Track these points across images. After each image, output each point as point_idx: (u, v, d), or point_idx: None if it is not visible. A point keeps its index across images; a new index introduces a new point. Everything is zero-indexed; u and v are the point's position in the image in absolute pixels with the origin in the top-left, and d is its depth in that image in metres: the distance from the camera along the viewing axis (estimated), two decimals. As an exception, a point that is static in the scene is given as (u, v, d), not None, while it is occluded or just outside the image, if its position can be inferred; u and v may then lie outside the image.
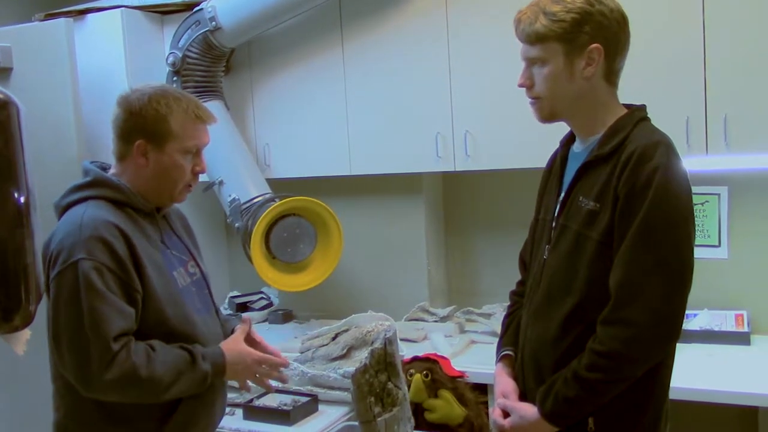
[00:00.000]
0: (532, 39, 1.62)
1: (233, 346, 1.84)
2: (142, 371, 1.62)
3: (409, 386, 2.42)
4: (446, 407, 2.44)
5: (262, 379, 1.92)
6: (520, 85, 1.68)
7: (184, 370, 1.70)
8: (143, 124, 1.75)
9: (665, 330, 1.55)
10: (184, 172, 1.80)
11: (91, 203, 1.73)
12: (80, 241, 1.63)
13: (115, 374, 1.60)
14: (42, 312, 1.68)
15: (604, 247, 1.57)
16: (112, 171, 1.82)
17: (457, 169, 2.93)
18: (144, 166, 1.77)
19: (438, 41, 2.89)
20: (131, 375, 1.62)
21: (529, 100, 1.69)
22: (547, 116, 1.68)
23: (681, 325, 1.57)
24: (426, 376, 2.45)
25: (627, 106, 1.69)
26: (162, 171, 1.78)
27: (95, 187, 1.76)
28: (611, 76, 1.64)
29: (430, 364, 2.52)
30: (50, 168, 2.78)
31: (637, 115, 1.65)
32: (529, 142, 2.69)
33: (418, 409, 2.48)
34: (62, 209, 1.76)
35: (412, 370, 2.48)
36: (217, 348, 1.81)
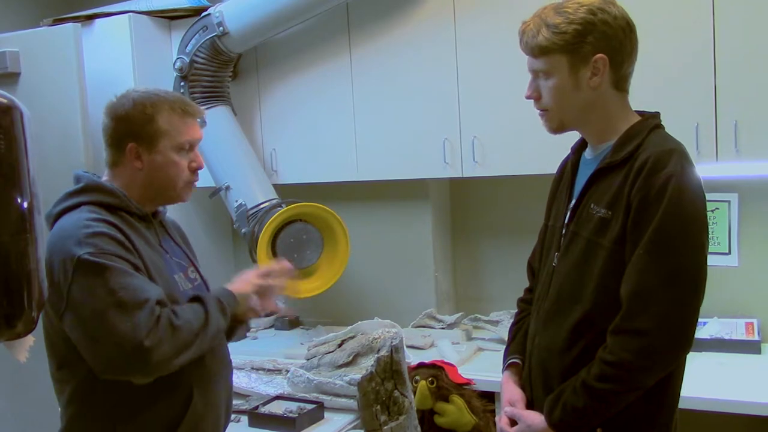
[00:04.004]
0: (536, 52, 1.61)
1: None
2: (177, 324, 1.61)
3: (414, 393, 2.40)
4: (457, 413, 2.42)
5: (268, 292, 1.90)
6: (528, 98, 1.68)
7: (201, 312, 1.69)
8: (132, 127, 1.74)
9: (677, 340, 1.52)
10: (180, 169, 1.78)
11: (85, 208, 1.69)
12: (80, 239, 1.59)
13: (159, 337, 1.56)
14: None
15: (616, 255, 1.56)
16: (104, 178, 1.80)
17: (464, 176, 2.92)
18: (140, 169, 1.75)
19: (446, 47, 2.88)
20: (172, 331, 1.59)
21: (538, 111, 1.68)
22: (557, 128, 1.68)
23: (693, 336, 1.54)
24: (431, 383, 2.44)
25: (641, 113, 1.67)
26: (158, 171, 1.76)
27: (88, 192, 1.73)
28: (620, 82, 1.62)
29: (435, 370, 2.51)
30: (57, 173, 2.77)
31: (651, 122, 1.64)
32: (536, 149, 2.68)
33: (425, 414, 2.47)
34: (55, 217, 1.72)
35: (417, 377, 2.47)
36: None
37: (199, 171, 1.85)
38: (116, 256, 1.61)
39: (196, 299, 1.73)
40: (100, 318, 1.56)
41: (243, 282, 1.86)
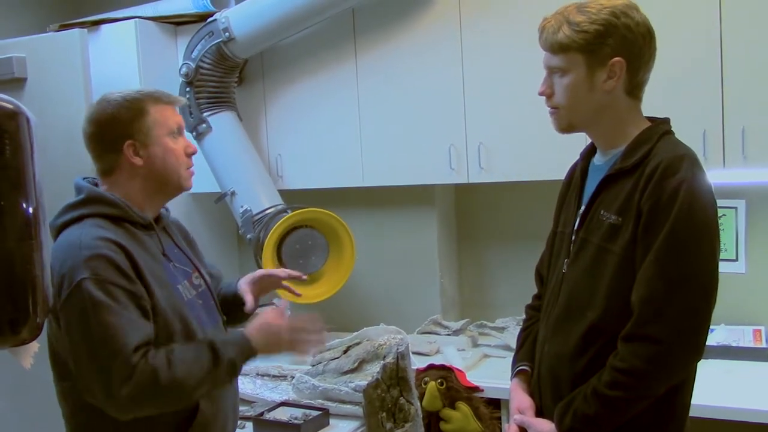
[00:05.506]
0: (555, 48, 1.59)
1: (257, 322, 1.79)
2: (163, 378, 1.56)
3: (423, 394, 2.39)
4: (463, 420, 2.41)
5: (306, 342, 1.82)
6: (540, 94, 1.66)
7: (208, 366, 1.64)
8: (124, 126, 1.72)
9: (689, 347, 1.52)
10: (179, 154, 1.78)
11: (88, 222, 1.67)
12: (81, 261, 1.58)
13: (137, 387, 1.54)
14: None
15: (626, 261, 1.54)
16: (101, 188, 1.77)
17: (470, 181, 2.91)
18: (140, 165, 1.73)
19: (451, 52, 2.87)
20: (153, 384, 1.56)
21: (549, 109, 1.67)
22: (566, 127, 1.66)
23: (705, 343, 1.54)
24: (441, 384, 2.42)
25: (651, 119, 1.67)
26: (159, 162, 1.74)
27: (90, 204, 1.71)
28: (634, 89, 1.61)
29: (445, 372, 2.49)
30: (63, 178, 2.77)
31: (661, 128, 1.63)
32: (542, 155, 2.68)
33: (431, 420, 2.45)
34: (57, 229, 1.70)
35: (426, 378, 2.45)
36: (237, 332, 1.76)
37: (193, 156, 1.83)
38: (113, 284, 1.58)
39: (212, 349, 1.66)
40: (84, 349, 1.57)
41: (274, 340, 1.77)
